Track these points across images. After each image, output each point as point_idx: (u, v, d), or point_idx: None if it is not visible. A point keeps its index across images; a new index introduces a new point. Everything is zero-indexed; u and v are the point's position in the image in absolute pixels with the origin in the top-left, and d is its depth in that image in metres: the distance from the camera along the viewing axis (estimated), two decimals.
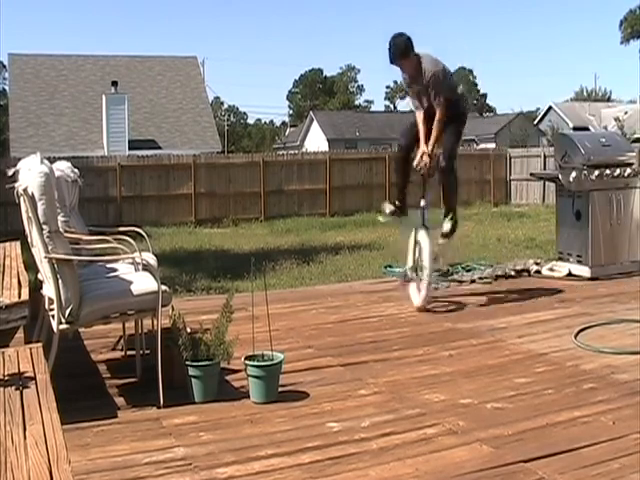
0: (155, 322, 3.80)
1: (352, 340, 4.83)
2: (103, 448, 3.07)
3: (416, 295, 5.66)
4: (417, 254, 5.73)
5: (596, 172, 6.78)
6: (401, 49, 5.54)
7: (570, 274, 6.86)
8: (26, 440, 1.83)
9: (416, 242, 5.74)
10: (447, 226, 5.77)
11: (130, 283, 3.75)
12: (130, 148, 24.73)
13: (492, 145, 32.13)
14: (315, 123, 49.01)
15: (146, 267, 3.95)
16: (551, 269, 7.02)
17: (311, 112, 52.62)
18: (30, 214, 3.50)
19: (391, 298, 6.15)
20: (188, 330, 3.80)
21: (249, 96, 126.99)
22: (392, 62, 5.58)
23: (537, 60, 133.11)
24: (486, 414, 3.43)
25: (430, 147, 5.58)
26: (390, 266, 7.85)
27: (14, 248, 5.35)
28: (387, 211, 6.04)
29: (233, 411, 3.54)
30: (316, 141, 45.60)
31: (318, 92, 74.05)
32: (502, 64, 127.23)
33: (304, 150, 34.36)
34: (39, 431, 1.88)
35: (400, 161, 5.94)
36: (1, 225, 14.00)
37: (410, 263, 5.82)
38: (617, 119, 29.91)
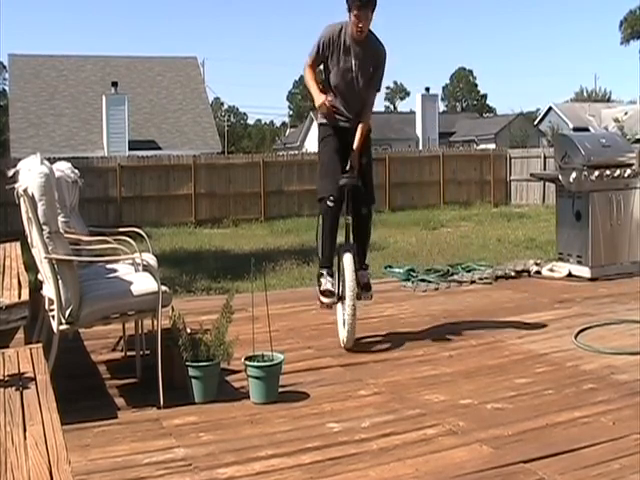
0: (155, 323, 3.80)
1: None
2: (103, 448, 3.07)
3: (342, 330, 4.60)
4: (340, 279, 4.64)
5: (596, 173, 6.79)
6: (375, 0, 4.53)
7: (570, 275, 6.87)
8: (26, 440, 1.83)
9: (339, 268, 4.65)
10: (366, 278, 4.80)
11: (130, 284, 3.75)
12: (130, 149, 24.74)
13: (492, 146, 32.15)
14: (315, 124, 48.99)
15: (146, 268, 3.95)
16: (551, 270, 7.02)
17: (311, 113, 52.53)
18: (30, 215, 3.50)
19: (391, 298, 6.15)
20: (188, 330, 3.81)
21: (249, 96, 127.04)
22: (359, 7, 4.46)
23: (537, 60, 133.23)
24: (486, 414, 3.43)
25: (357, 144, 4.65)
26: (390, 266, 7.86)
27: (14, 249, 5.36)
28: (328, 299, 4.67)
29: (233, 411, 3.54)
30: (316, 142, 45.59)
31: None
32: (502, 64, 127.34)
33: (304, 151, 34.35)
34: (39, 431, 1.88)
35: (334, 217, 4.62)
36: (1, 225, 14.00)
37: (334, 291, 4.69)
38: (616, 120, 29.92)
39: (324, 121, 4.78)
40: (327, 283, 4.64)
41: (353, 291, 4.45)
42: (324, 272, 4.67)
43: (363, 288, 4.72)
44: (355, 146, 4.66)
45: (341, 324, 4.64)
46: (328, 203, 4.55)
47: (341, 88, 4.70)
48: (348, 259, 4.55)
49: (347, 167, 4.60)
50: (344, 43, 4.65)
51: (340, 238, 4.74)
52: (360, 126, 4.68)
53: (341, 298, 4.61)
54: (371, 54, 4.69)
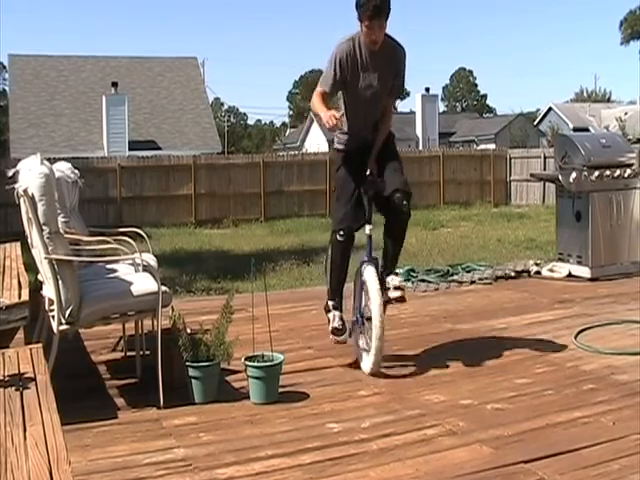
0: (155, 323, 3.80)
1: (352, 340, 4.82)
2: (103, 449, 3.07)
3: (365, 358, 4.14)
4: (362, 299, 4.25)
5: (596, 173, 6.79)
6: (388, 6, 4.03)
7: (570, 275, 6.87)
8: (26, 441, 1.83)
9: (361, 282, 4.23)
10: (397, 280, 4.30)
11: (130, 284, 3.75)
12: (130, 149, 24.74)
13: (492, 146, 32.15)
14: (315, 124, 48.98)
15: (146, 268, 3.95)
16: (551, 270, 7.02)
17: (311, 113, 52.61)
18: (30, 215, 3.50)
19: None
20: (188, 331, 3.81)
21: (249, 97, 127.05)
22: (371, 17, 3.97)
23: (537, 60, 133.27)
24: (486, 415, 3.43)
25: (375, 148, 4.29)
26: None
27: (14, 249, 5.36)
28: (339, 337, 4.27)
29: (233, 412, 3.54)
30: (316, 142, 45.59)
31: None
32: (502, 64, 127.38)
33: (304, 151, 34.37)
34: (39, 432, 1.88)
35: (344, 254, 4.25)
36: (1, 226, 14.00)
37: (354, 310, 4.35)
38: (619, 119, 29.92)
39: (340, 147, 4.39)
40: (335, 320, 4.24)
41: (379, 311, 3.92)
42: (331, 306, 4.30)
43: (396, 289, 4.23)
44: (373, 150, 4.27)
45: (362, 347, 4.19)
46: (338, 238, 4.18)
47: (361, 106, 4.25)
48: (371, 274, 4.08)
49: (367, 173, 4.19)
50: (360, 57, 4.15)
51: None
52: (378, 141, 4.30)
53: (362, 319, 4.22)
54: (391, 62, 4.22)
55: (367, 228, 4.22)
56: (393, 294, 4.23)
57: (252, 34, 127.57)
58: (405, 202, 4.13)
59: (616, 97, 55.19)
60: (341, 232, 4.18)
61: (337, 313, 4.27)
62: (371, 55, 4.15)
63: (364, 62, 4.15)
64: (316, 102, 4.19)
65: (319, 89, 4.20)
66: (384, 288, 4.17)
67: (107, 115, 25.79)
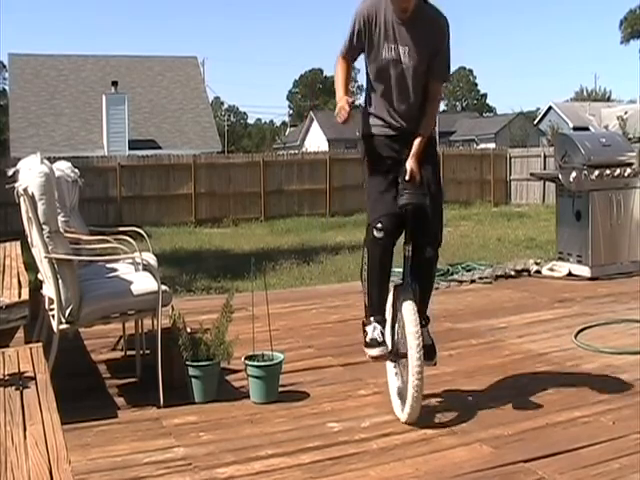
0: (155, 322, 3.80)
1: (352, 340, 4.81)
2: (103, 448, 3.07)
3: (398, 403, 3.43)
4: (397, 330, 3.51)
5: (596, 172, 6.79)
6: None
7: (570, 274, 6.87)
8: (26, 440, 1.83)
9: (395, 311, 3.50)
10: (428, 338, 3.52)
11: (130, 283, 3.75)
12: (130, 148, 24.72)
13: (492, 145, 32.14)
14: (315, 123, 49.05)
15: (146, 267, 3.95)
16: (551, 269, 7.02)
17: (311, 112, 52.67)
18: (30, 214, 3.50)
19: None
20: (188, 330, 3.80)
21: (249, 96, 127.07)
22: None
23: (537, 60, 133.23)
24: (486, 414, 3.43)
25: (414, 151, 3.40)
26: None
27: (14, 248, 5.35)
28: (376, 350, 3.43)
29: (233, 411, 3.54)
30: (316, 141, 45.63)
31: (318, 92, 74.02)
32: (502, 64, 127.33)
33: (304, 150, 34.36)
34: (39, 431, 1.88)
35: (384, 253, 3.42)
36: (1, 225, 14.00)
37: (389, 341, 3.53)
38: (620, 118, 29.90)
39: (364, 132, 3.58)
40: (375, 330, 3.43)
41: (419, 351, 3.19)
42: (372, 319, 3.49)
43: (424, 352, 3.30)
44: (412, 154, 3.40)
45: (395, 392, 3.50)
46: (375, 233, 3.35)
47: (387, 86, 3.43)
48: (409, 309, 3.31)
49: (406, 177, 3.33)
50: (385, 24, 3.35)
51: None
52: (417, 140, 3.41)
53: (397, 356, 3.50)
54: (426, 35, 3.36)
55: (406, 248, 3.42)
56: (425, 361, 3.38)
57: (252, 34, 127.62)
58: (431, 251, 3.46)
59: (616, 96, 55.20)
60: (379, 224, 3.35)
61: (378, 326, 3.46)
62: (399, 24, 3.34)
63: (389, 31, 3.36)
64: (337, 70, 3.52)
65: (338, 53, 3.54)
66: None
67: (107, 114, 25.76)
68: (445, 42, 3.43)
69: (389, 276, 3.52)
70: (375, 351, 3.43)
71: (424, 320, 3.51)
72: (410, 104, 3.47)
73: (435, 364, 3.56)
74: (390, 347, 3.48)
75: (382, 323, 3.52)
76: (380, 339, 3.44)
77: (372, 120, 3.54)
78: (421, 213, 3.39)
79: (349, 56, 3.53)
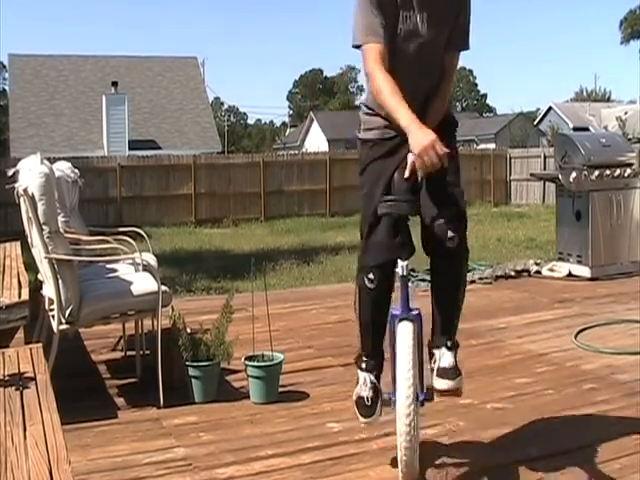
0: (155, 322, 3.80)
1: (352, 340, 4.78)
2: (103, 448, 3.07)
3: (398, 457, 2.61)
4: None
5: (596, 172, 6.79)
6: None
7: (570, 274, 6.87)
8: (26, 440, 1.82)
9: (393, 347, 2.75)
10: (449, 359, 2.81)
11: (130, 283, 3.75)
12: (130, 148, 24.71)
13: (492, 145, 32.13)
14: (315, 123, 49.07)
15: (146, 267, 3.95)
16: (551, 269, 7.02)
17: (311, 112, 52.69)
18: (30, 214, 3.50)
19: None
20: (188, 330, 3.81)
21: (249, 96, 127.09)
22: None
23: (537, 60, 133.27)
24: (486, 414, 3.43)
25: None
26: None
27: (14, 248, 5.35)
28: (369, 413, 2.82)
29: (233, 411, 3.54)
30: (316, 141, 45.63)
31: (318, 92, 74.08)
32: (502, 64, 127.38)
33: (304, 150, 34.37)
34: (39, 431, 1.88)
35: (376, 304, 2.79)
36: (1, 225, 13.99)
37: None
38: (619, 118, 29.89)
39: (366, 136, 2.85)
40: (363, 385, 2.81)
41: (409, 394, 2.53)
42: (363, 364, 2.85)
43: (442, 375, 2.78)
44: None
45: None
46: (366, 283, 2.73)
47: (401, 69, 2.66)
48: (404, 335, 2.64)
49: (406, 174, 2.61)
50: None
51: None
52: (434, 108, 2.73)
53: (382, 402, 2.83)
54: None
55: (399, 265, 2.70)
56: (439, 383, 2.78)
57: (252, 34, 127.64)
58: (453, 232, 2.66)
59: (616, 96, 55.17)
60: (370, 274, 2.71)
61: (368, 376, 2.81)
62: None
63: None
64: (382, 87, 2.60)
65: (368, 48, 2.63)
66: (430, 368, 2.83)
67: (107, 115, 25.76)
68: (466, 1, 2.74)
69: (384, 324, 2.81)
70: (363, 417, 2.82)
71: (448, 341, 2.80)
72: (427, 90, 2.74)
73: (459, 392, 2.83)
74: (379, 403, 2.80)
75: (377, 368, 2.85)
76: (369, 398, 2.77)
77: (376, 120, 2.80)
78: (412, 211, 2.68)
79: (381, 53, 2.62)
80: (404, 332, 2.65)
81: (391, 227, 2.69)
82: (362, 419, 2.84)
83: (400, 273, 2.70)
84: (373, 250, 2.72)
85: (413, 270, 7.13)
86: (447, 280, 2.80)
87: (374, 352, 2.87)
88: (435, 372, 2.81)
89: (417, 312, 2.73)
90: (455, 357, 2.81)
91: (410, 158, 2.59)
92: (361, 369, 2.87)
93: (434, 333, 2.86)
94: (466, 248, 2.76)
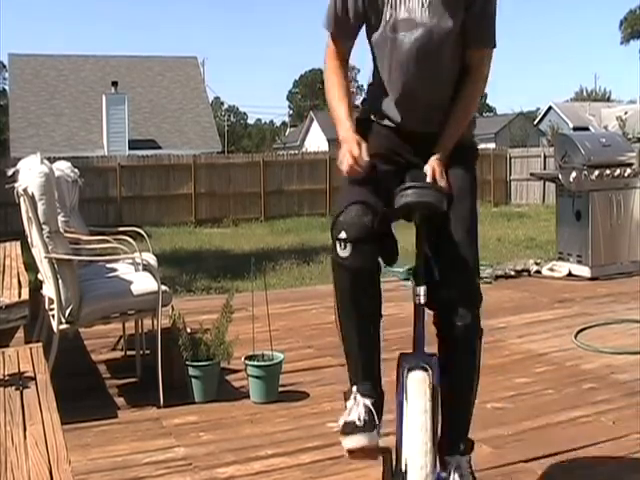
0: (155, 322, 3.80)
1: None
2: (103, 448, 3.07)
3: None
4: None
5: (596, 172, 6.79)
6: None
7: (570, 274, 6.87)
8: (26, 440, 1.82)
9: (401, 409, 2.15)
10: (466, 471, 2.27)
11: (130, 283, 3.75)
12: (130, 148, 24.72)
13: (492, 145, 32.10)
14: (315, 123, 49.05)
15: (146, 267, 3.95)
16: (551, 269, 7.02)
17: (311, 112, 52.65)
18: (30, 214, 3.50)
19: (391, 298, 6.09)
20: (188, 330, 3.80)
21: (249, 96, 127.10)
22: None
23: (537, 60, 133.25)
24: (486, 414, 3.42)
25: (444, 151, 2.26)
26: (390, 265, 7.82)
27: (14, 248, 5.35)
28: (354, 438, 2.29)
29: (233, 411, 3.54)
30: (316, 141, 45.62)
31: (318, 92, 73.95)
32: (502, 64, 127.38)
33: (304, 150, 34.36)
34: (39, 431, 1.88)
35: (359, 281, 2.20)
36: (1, 225, 13.99)
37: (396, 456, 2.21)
38: (619, 118, 29.90)
39: (361, 115, 2.41)
40: (356, 408, 2.27)
41: (424, 464, 1.99)
42: (354, 388, 2.31)
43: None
44: (434, 157, 2.25)
45: None
46: (338, 249, 2.15)
47: (395, 64, 2.23)
48: (419, 389, 2.10)
49: (428, 179, 2.20)
50: None
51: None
52: (439, 153, 2.25)
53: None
54: None
55: (420, 290, 2.22)
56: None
57: (252, 33, 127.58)
58: (464, 312, 2.20)
59: (616, 96, 55.17)
60: (342, 233, 2.12)
61: (362, 399, 2.27)
62: None
63: None
64: (327, 82, 2.32)
65: (330, 40, 2.32)
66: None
67: (107, 114, 25.76)
68: None
69: (374, 322, 2.29)
70: (352, 440, 2.23)
71: (461, 444, 2.28)
72: (435, 93, 2.26)
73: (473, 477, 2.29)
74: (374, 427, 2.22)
75: (371, 395, 2.26)
76: (361, 421, 2.21)
77: (376, 103, 2.36)
78: (438, 222, 2.19)
79: (340, 42, 2.30)
80: (418, 387, 2.08)
81: (371, 187, 2.19)
82: (351, 443, 2.22)
83: (418, 301, 2.19)
84: (350, 196, 2.19)
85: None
86: (459, 376, 2.30)
87: (365, 371, 2.27)
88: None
89: (434, 358, 2.19)
90: (470, 464, 2.28)
91: (429, 164, 2.21)
92: (351, 396, 2.29)
93: (443, 435, 2.21)
94: (479, 327, 2.23)
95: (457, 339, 2.22)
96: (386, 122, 2.35)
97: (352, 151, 2.13)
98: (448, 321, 2.21)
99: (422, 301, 2.20)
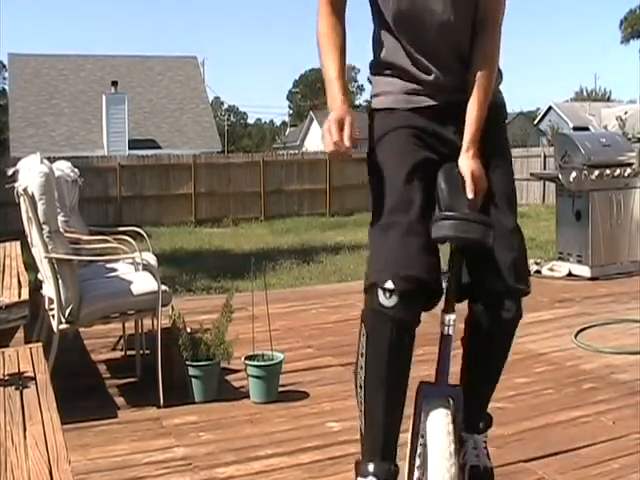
0: (155, 322, 3.80)
1: (352, 340, 4.78)
2: (103, 448, 3.07)
3: None
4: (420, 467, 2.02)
5: (596, 172, 6.79)
6: None
7: (570, 274, 6.86)
8: (26, 440, 1.82)
9: (421, 437, 2.06)
10: (482, 452, 2.16)
11: (130, 283, 3.75)
12: (130, 148, 24.72)
13: None
14: (315, 123, 49.00)
15: (146, 267, 3.95)
16: (551, 269, 7.02)
17: (311, 112, 52.64)
18: (30, 214, 3.50)
19: None
20: (188, 330, 3.80)
21: (249, 96, 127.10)
22: None
23: (537, 60, 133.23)
24: None
25: (474, 134, 1.95)
26: None
27: (14, 248, 5.35)
28: None
29: (233, 411, 3.54)
30: (316, 141, 45.56)
31: (318, 92, 73.96)
32: (502, 63, 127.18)
33: (304, 150, 34.35)
34: (39, 431, 1.88)
35: (401, 341, 1.96)
36: (1, 225, 13.99)
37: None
38: (619, 118, 29.90)
39: (383, 104, 2.07)
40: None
41: None
42: (370, 466, 1.99)
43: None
44: (466, 143, 1.95)
45: None
46: (381, 298, 1.89)
47: (411, 18, 1.95)
48: (442, 425, 1.92)
49: (468, 193, 1.92)
50: None
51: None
52: (473, 113, 1.94)
53: None
54: None
55: (447, 318, 2.02)
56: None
57: (252, 33, 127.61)
58: (512, 303, 1.97)
59: (616, 96, 55.14)
60: (389, 283, 1.86)
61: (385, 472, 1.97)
62: None
63: None
64: (320, 42, 2.02)
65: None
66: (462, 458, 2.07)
67: (107, 114, 25.76)
68: None
69: (405, 390, 2.01)
70: None
71: (481, 423, 2.16)
72: (451, 41, 1.97)
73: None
74: None
75: (387, 476, 1.98)
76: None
77: (384, 83, 2.06)
78: (478, 251, 1.94)
79: None
80: (440, 422, 1.89)
81: (419, 230, 1.92)
82: None
83: (447, 331, 1.97)
84: (392, 258, 1.88)
85: None
86: (498, 356, 2.10)
87: (385, 447, 1.99)
88: (467, 475, 2.06)
89: (458, 390, 2.00)
90: (486, 448, 2.14)
91: (466, 165, 1.92)
92: (364, 476, 1.97)
93: (468, 414, 2.07)
94: (521, 313, 2.00)
95: (505, 329, 2.02)
96: (413, 99, 1.99)
97: (332, 133, 1.82)
98: (495, 313, 1.97)
99: (451, 332, 1.98)
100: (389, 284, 1.85)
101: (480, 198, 1.92)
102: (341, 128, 1.83)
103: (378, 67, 2.09)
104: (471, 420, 2.11)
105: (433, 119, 2.00)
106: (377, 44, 2.07)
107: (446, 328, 1.97)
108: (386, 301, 1.86)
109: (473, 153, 1.94)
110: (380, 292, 1.87)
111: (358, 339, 1.99)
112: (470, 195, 1.90)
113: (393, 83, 2.04)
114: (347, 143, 1.81)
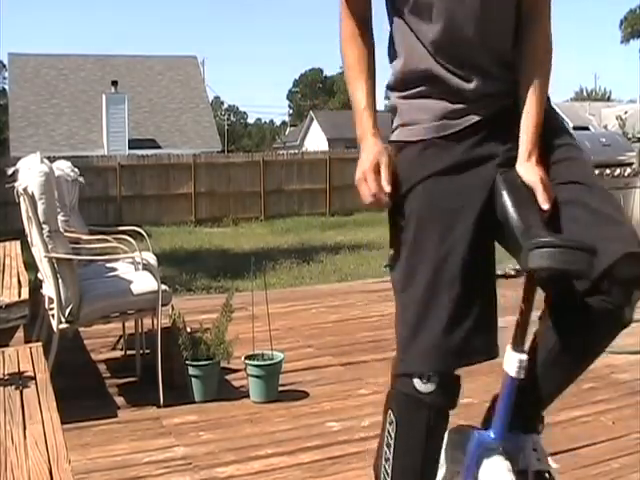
0: (155, 321, 3.80)
1: (352, 339, 4.83)
2: (103, 447, 3.07)
3: None
4: None
5: (596, 172, 6.78)
6: None
7: None
8: (26, 440, 1.82)
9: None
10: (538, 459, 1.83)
11: (130, 282, 3.75)
12: (130, 147, 24.72)
13: None
14: (315, 123, 49.01)
15: (146, 266, 3.95)
16: None
17: (311, 112, 52.62)
18: (30, 213, 3.50)
19: (391, 297, 6.12)
20: (188, 329, 3.81)
21: (249, 96, 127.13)
22: None
23: None
24: None
25: (535, 144, 1.68)
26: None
27: (14, 247, 5.35)
28: None
29: (233, 410, 3.54)
30: (316, 141, 45.58)
31: (318, 92, 74.01)
32: None
33: (304, 150, 34.35)
34: (39, 430, 1.88)
35: (435, 435, 1.72)
36: (1, 224, 13.99)
37: None
38: (619, 118, 29.92)
39: (413, 136, 1.67)
40: None
41: None
42: None
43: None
44: (525, 151, 1.68)
45: None
46: (416, 384, 1.67)
47: (450, 14, 1.59)
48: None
49: (544, 206, 1.65)
50: None
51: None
52: (531, 118, 1.73)
53: None
54: None
55: (518, 359, 1.70)
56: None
57: (252, 33, 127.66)
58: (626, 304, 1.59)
59: (616, 96, 55.16)
60: (424, 376, 1.66)
61: None
62: None
63: None
64: (343, 61, 1.75)
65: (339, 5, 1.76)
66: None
67: (107, 114, 25.76)
68: None
69: (436, 465, 1.77)
70: None
71: (540, 424, 1.97)
72: (506, 48, 1.70)
73: None
74: None
75: None
76: None
77: (414, 110, 1.69)
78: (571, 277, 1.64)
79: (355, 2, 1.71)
80: (495, 452, 1.67)
81: (463, 304, 1.72)
82: None
83: (517, 374, 1.64)
84: (426, 347, 1.66)
85: None
86: (589, 356, 1.74)
87: None
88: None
89: (518, 438, 1.76)
90: (544, 450, 1.91)
91: (533, 173, 1.64)
92: None
93: (531, 415, 1.91)
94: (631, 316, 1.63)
95: (617, 327, 1.65)
96: (450, 128, 1.65)
97: (369, 183, 1.58)
98: (609, 314, 1.60)
99: (522, 375, 1.64)
100: (420, 378, 1.63)
101: (550, 208, 1.62)
102: (377, 172, 1.59)
103: (404, 84, 1.69)
104: (532, 419, 1.88)
105: (477, 140, 1.67)
106: (398, 51, 1.70)
107: (517, 371, 1.63)
108: (422, 386, 1.64)
109: (536, 159, 1.66)
110: (414, 377, 1.64)
111: (382, 428, 1.73)
112: (546, 206, 1.62)
113: (426, 108, 1.66)
114: (387, 189, 1.58)
